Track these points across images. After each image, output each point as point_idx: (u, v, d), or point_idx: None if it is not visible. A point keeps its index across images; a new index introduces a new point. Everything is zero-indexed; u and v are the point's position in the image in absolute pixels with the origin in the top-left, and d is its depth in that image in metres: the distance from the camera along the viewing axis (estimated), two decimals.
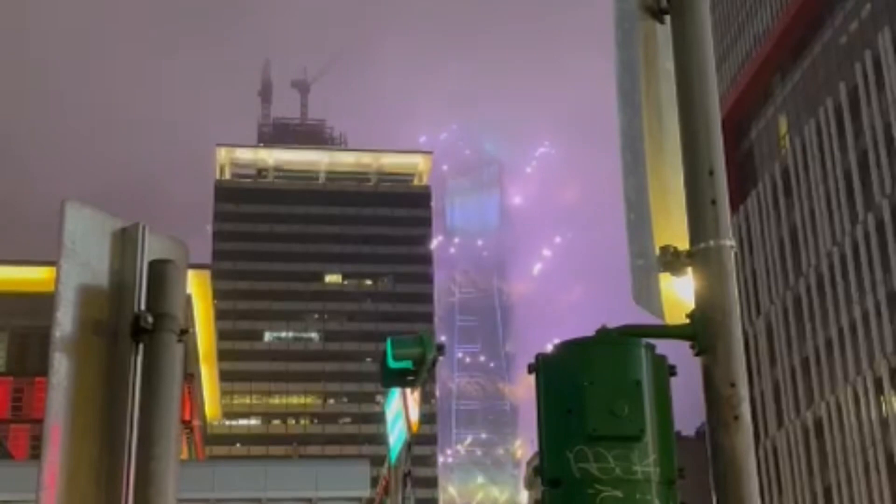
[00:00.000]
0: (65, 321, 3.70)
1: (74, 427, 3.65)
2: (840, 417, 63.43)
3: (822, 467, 65.30)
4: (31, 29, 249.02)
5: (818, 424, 65.95)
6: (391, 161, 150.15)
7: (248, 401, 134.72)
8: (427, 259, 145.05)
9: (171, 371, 3.82)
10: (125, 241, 3.89)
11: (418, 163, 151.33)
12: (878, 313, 59.72)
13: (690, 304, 4.36)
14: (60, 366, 3.67)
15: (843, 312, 63.65)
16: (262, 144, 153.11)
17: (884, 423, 59.01)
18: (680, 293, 4.43)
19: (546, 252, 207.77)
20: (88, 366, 3.72)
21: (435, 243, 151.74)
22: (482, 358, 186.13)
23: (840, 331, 63.92)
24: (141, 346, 3.81)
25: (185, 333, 3.88)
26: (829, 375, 65.09)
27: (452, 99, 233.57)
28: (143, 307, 3.83)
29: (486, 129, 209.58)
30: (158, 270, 3.90)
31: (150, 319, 3.80)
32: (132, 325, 3.79)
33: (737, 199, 73.22)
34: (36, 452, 3.65)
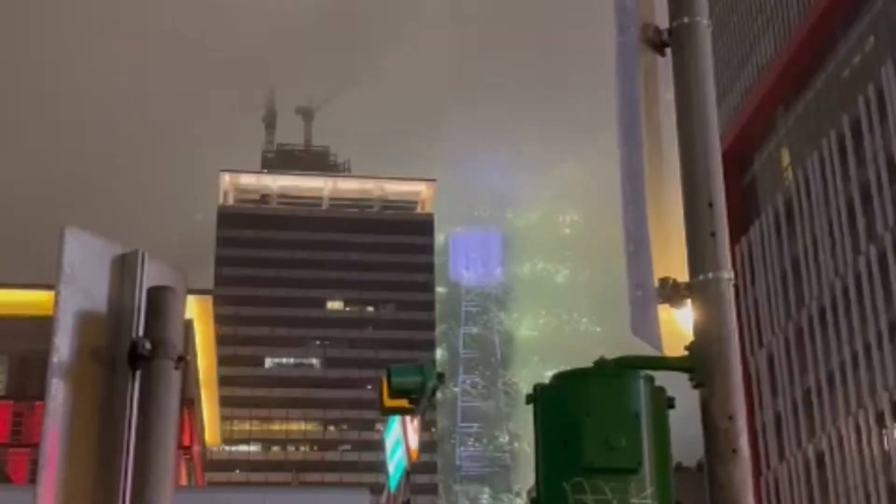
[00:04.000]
0: (62, 347, 3.69)
1: (70, 453, 3.64)
2: (842, 450, 63.17)
3: (823, 500, 64.95)
4: (34, 45, 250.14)
5: (820, 457, 65.67)
6: (394, 188, 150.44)
7: (248, 427, 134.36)
8: (429, 287, 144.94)
9: (167, 398, 3.81)
10: (124, 268, 3.89)
11: (421, 190, 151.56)
12: (881, 345, 59.57)
13: (689, 336, 4.35)
14: (57, 392, 3.66)
15: (846, 344, 63.48)
16: (265, 170, 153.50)
17: (885, 455, 58.76)
18: (679, 325, 4.43)
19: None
20: (85, 392, 3.72)
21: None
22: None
23: (842, 363, 63.73)
24: (138, 373, 3.80)
25: (183, 361, 3.87)
26: (830, 407, 64.86)
27: (457, 128, 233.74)
28: (140, 334, 3.83)
29: (490, 159, 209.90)
30: (157, 297, 3.89)
31: (147, 346, 3.79)
32: (130, 351, 3.79)
33: (739, 230, 73.20)
34: (35, 477, 3.62)
